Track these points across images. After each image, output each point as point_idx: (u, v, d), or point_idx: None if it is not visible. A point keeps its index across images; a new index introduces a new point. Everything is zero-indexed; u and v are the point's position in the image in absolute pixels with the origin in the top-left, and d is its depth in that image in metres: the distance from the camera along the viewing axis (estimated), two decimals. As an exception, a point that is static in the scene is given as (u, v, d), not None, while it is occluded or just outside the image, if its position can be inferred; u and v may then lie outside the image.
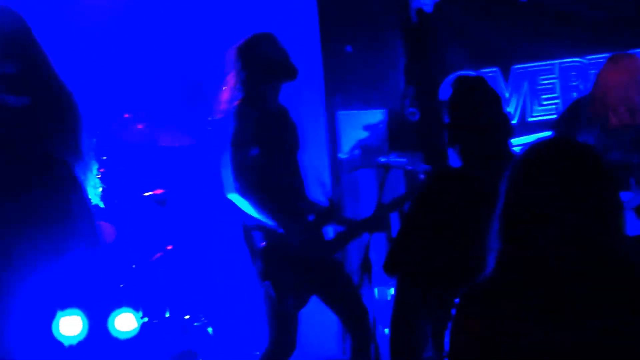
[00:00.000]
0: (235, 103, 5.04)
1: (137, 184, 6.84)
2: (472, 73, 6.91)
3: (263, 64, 5.10)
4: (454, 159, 3.86)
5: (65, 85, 3.84)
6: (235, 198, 4.98)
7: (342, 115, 7.41)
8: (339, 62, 7.33)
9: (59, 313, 5.04)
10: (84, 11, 7.16)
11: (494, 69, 6.98)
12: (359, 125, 7.26)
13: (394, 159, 6.11)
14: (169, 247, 6.68)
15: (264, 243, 5.02)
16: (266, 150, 5.06)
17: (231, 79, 5.13)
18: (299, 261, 5.03)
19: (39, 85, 3.64)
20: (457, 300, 2.44)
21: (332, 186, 6.90)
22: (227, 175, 4.98)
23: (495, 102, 3.88)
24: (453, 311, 2.44)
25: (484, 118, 3.78)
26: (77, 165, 4.07)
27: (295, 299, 5.09)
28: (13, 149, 3.01)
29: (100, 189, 4.91)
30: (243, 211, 5.01)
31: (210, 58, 7.29)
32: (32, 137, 3.50)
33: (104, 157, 5.79)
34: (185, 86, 7.26)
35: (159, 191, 6.76)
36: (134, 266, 6.51)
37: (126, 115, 6.70)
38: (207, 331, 6.45)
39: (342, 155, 7.17)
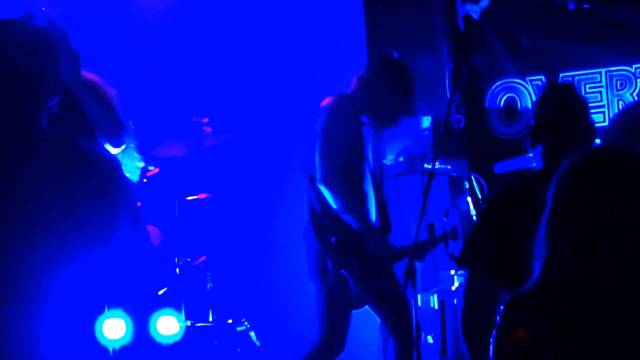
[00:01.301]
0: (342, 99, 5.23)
1: (182, 188, 6.88)
2: (519, 81, 6.91)
3: (394, 86, 5.29)
4: (537, 160, 3.91)
5: (92, 74, 3.95)
6: (323, 189, 5.11)
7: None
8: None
9: (103, 316, 5.10)
10: (137, 10, 7.26)
11: (539, 77, 6.95)
12: (403, 131, 7.24)
13: (438, 165, 6.09)
14: (203, 258, 6.71)
15: (337, 236, 5.07)
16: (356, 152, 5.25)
17: (361, 80, 5.30)
18: (368, 259, 5.06)
19: (73, 83, 3.74)
20: (501, 308, 2.43)
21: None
22: (320, 165, 5.13)
23: (582, 107, 3.96)
24: (497, 319, 2.44)
25: (569, 121, 3.85)
26: (124, 136, 4.18)
27: (360, 294, 5.09)
28: (59, 148, 3.03)
29: (141, 163, 4.97)
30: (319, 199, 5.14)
31: (256, 58, 7.33)
32: (75, 135, 3.57)
33: (142, 157, 5.83)
34: (235, 86, 7.31)
35: (203, 195, 6.80)
36: (177, 270, 6.54)
37: (195, 119, 6.77)
38: (249, 335, 6.46)
39: (387, 162, 7.16)
